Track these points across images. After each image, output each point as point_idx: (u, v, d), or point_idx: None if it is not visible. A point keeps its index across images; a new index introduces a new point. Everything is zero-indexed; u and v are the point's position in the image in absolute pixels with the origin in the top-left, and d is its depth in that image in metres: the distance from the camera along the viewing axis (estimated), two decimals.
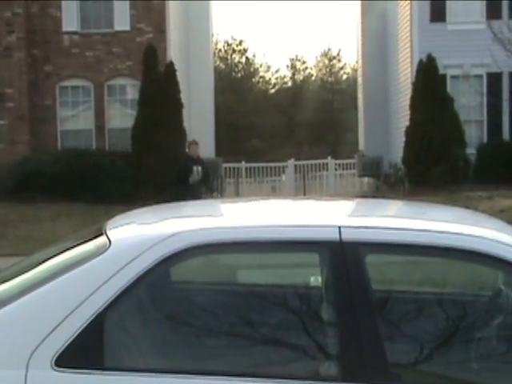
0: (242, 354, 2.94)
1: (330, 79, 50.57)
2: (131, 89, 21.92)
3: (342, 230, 2.89)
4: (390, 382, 2.73)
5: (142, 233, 3.00)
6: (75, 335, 2.67)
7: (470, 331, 3.06)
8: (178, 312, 3.08)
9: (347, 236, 2.88)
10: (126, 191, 18.59)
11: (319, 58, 50.91)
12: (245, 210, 3.83)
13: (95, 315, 2.69)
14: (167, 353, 2.91)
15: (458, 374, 2.91)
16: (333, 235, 2.88)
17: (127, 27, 21.78)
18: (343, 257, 2.84)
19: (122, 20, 21.71)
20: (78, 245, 3.12)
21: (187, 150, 13.82)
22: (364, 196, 18.49)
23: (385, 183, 22.10)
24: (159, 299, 2.99)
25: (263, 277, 3.70)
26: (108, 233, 3.03)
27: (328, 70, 50.62)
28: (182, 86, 21.16)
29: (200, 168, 13.43)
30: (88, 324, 2.68)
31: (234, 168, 23.55)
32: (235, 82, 46.17)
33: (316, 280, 3.13)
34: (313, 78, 51.75)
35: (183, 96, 20.89)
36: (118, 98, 22.27)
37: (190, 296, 3.30)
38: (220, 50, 47.08)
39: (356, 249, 2.86)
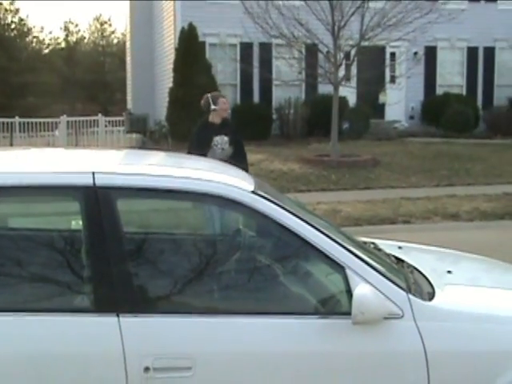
0: (7, 292, 2.85)
1: (101, 42, 49.55)
2: None
3: (95, 175, 2.82)
4: (139, 311, 2.77)
5: None
6: None
7: (213, 266, 3.15)
8: None
9: (100, 181, 2.81)
10: None
11: (91, 23, 49.58)
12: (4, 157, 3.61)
13: None
14: None
15: (202, 303, 2.98)
16: (87, 180, 2.80)
17: None
18: (97, 201, 2.79)
19: None
20: None
21: (207, 108, 7.85)
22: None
23: (150, 139, 22.06)
24: None
25: (25, 222, 3.54)
26: None
27: (100, 33, 49.70)
28: None
29: (226, 139, 7.73)
30: None
31: (7, 123, 22.22)
32: (8, 41, 43.34)
33: (77, 224, 3.04)
34: (85, 40, 50.42)
35: None
36: None
37: None
38: None
39: (108, 193, 2.81)
